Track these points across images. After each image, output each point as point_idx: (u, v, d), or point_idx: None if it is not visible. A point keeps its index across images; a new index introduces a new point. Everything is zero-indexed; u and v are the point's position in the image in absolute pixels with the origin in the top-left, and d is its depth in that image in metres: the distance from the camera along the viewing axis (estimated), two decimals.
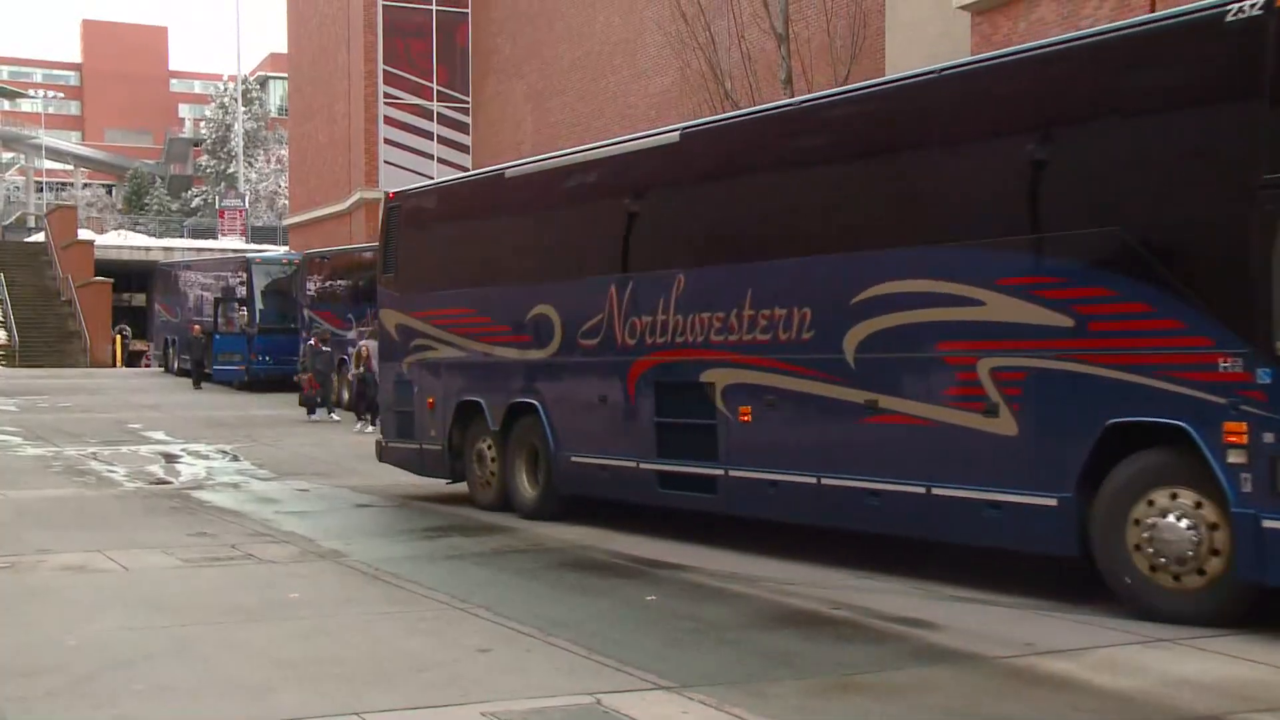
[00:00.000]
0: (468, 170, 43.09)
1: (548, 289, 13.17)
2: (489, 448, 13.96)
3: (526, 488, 13.53)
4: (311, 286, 32.30)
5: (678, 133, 12.18)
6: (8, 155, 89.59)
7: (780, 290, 10.63)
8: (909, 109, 10.14)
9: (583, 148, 14.39)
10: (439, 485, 15.12)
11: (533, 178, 13.93)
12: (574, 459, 12.78)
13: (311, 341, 27.75)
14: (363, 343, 25.24)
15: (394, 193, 16.39)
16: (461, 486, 14.66)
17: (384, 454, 15.72)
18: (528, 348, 13.38)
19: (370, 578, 10.17)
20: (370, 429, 24.02)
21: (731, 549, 11.27)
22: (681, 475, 11.58)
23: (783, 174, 11.02)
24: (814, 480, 10.32)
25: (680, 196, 12.03)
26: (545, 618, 8.46)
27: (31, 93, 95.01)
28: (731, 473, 11.08)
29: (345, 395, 27.88)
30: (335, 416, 26.75)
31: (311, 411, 26.55)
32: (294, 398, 28.54)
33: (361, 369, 24.42)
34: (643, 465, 11.96)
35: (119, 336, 50.79)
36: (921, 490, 9.51)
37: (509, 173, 14.32)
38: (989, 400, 9.05)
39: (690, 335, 11.42)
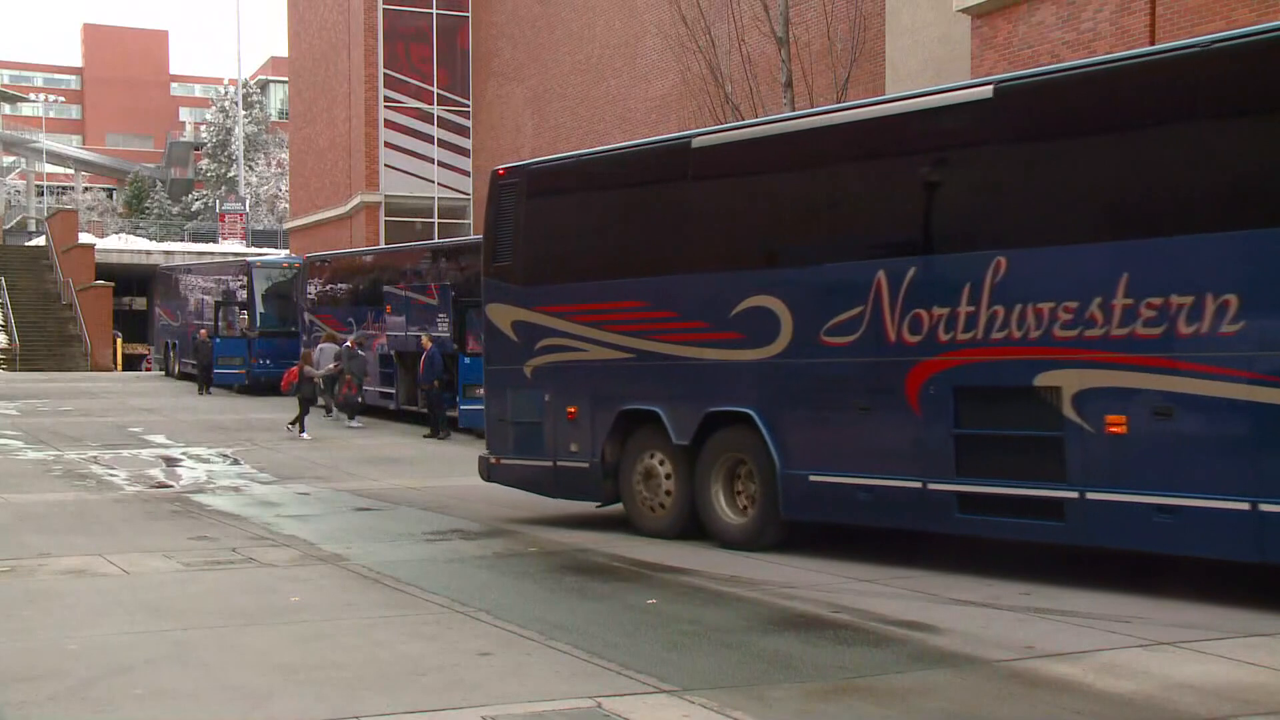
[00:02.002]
0: (468, 174, 43.20)
1: (770, 277, 11.30)
2: (661, 464, 12.15)
3: (726, 512, 11.67)
4: (312, 290, 32.30)
5: (990, 87, 10.20)
6: (9, 159, 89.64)
7: (1181, 274, 8.82)
8: None
9: (816, 110, 12.24)
10: (440, 489, 15.04)
11: (744, 147, 11.96)
12: (814, 478, 10.90)
13: (348, 344, 27.54)
14: (320, 348, 25.02)
15: (507, 168, 14.06)
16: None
17: (495, 473, 13.67)
18: (737, 346, 11.45)
19: (371, 581, 10.16)
20: (306, 435, 23.76)
21: (731, 552, 11.28)
22: (1001, 499, 9.70)
23: (1183, 133, 9.15)
24: (1246, 507, 8.51)
25: (998, 165, 10.08)
26: (546, 621, 8.46)
27: (32, 97, 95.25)
28: (1090, 496, 9.22)
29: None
30: (356, 423, 26.47)
31: (352, 417, 26.11)
32: (295, 402, 28.28)
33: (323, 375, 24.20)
34: (932, 486, 10.06)
35: (117, 340, 50.81)
36: None
37: (697, 141, 12.12)
38: None
39: (1017, 330, 9.58)
